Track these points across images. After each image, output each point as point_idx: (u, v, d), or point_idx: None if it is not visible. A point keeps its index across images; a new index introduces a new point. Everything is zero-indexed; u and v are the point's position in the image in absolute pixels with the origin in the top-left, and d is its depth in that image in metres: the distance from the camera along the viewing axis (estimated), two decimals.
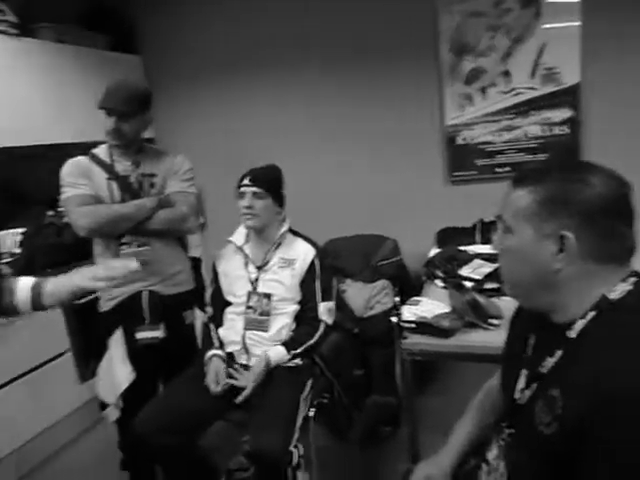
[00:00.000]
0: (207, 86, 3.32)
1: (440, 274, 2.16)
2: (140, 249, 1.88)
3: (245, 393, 1.69)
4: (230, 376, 1.76)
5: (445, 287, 1.98)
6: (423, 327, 1.62)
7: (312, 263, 1.88)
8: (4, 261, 2.40)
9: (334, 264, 2.79)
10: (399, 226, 2.88)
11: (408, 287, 2.61)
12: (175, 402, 1.73)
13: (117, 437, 2.06)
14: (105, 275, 1.15)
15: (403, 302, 1.77)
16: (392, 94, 2.93)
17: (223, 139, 3.37)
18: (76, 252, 2.19)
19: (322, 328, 1.84)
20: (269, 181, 1.87)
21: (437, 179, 2.94)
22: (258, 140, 3.28)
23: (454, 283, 1.85)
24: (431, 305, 1.72)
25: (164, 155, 2.01)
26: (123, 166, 1.91)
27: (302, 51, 3.06)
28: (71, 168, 1.87)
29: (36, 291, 1.08)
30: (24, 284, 1.09)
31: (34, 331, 2.31)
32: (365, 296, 2.56)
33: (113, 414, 1.91)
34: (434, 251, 2.49)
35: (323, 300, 1.86)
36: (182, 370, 1.87)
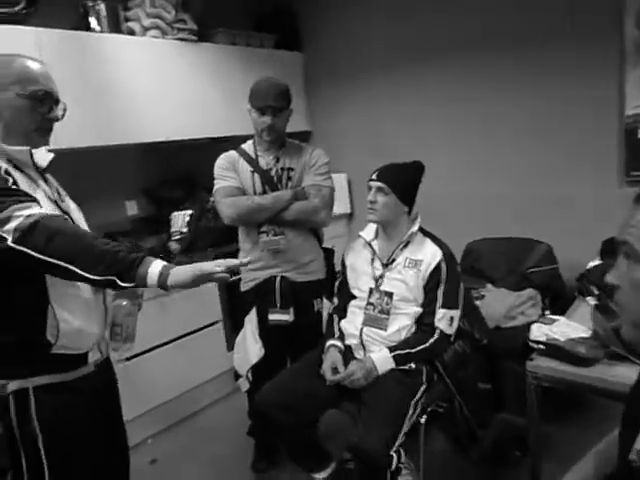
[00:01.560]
0: (359, 83, 3.36)
1: (594, 291, 1.87)
2: (276, 238, 2.01)
3: (335, 378, 1.74)
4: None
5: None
6: (554, 350, 1.44)
7: (438, 267, 1.80)
8: (174, 238, 2.80)
9: (475, 266, 2.64)
10: (554, 230, 2.57)
11: (561, 300, 2.33)
12: (294, 383, 1.82)
13: (247, 406, 2.26)
14: (225, 265, 1.25)
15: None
16: (558, 80, 2.60)
17: (371, 134, 3.40)
18: (228, 236, 2.45)
19: (437, 336, 1.75)
20: (396, 178, 1.83)
21: (609, 178, 2.53)
22: (403, 137, 3.22)
23: (603, 305, 1.59)
24: (567, 327, 1.51)
25: (303, 149, 2.10)
26: (266, 160, 2.06)
27: (454, 47, 2.90)
28: (222, 162, 2.07)
29: (166, 270, 1.22)
30: (158, 262, 1.23)
31: (192, 302, 2.65)
32: (507, 305, 2.35)
33: (244, 385, 2.11)
34: (594, 263, 2.17)
35: (444, 307, 1.77)
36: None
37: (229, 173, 2.03)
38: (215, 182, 2.05)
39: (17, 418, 1.27)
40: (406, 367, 1.74)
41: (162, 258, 1.24)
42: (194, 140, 2.98)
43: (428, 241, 1.88)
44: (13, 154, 1.25)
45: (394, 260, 1.88)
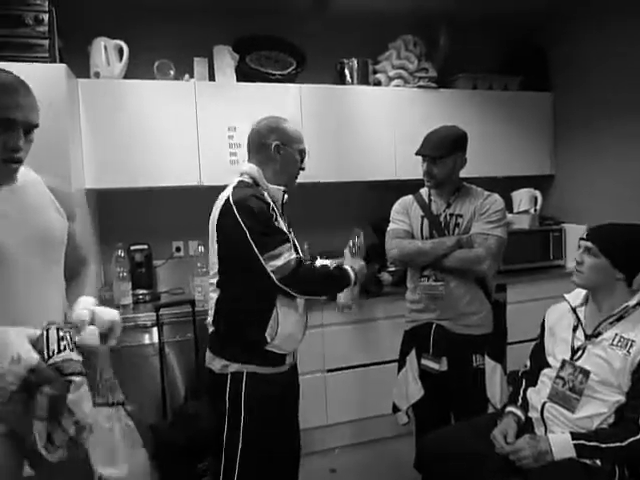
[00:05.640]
0: (611, 122, 2.95)
1: None
2: (435, 283, 2.01)
3: (503, 448, 1.61)
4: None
5: None
6: None
7: None
8: (389, 270, 2.97)
9: None
10: None
11: None
12: (459, 439, 1.76)
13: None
14: None
15: None
16: None
17: (624, 183, 2.92)
18: None
19: (639, 437, 1.43)
20: (610, 239, 1.60)
21: None
22: None
23: None
24: None
25: (478, 195, 2.05)
26: (437, 205, 2.08)
27: None
28: (397, 206, 2.20)
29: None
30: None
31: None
32: None
33: (402, 418, 2.18)
34: None
35: None
36: (471, 410, 1.87)
37: (401, 217, 2.13)
38: (390, 224, 2.17)
39: (230, 394, 1.68)
40: (589, 462, 1.48)
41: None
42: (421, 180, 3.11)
43: None
44: (274, 192, 1.72)
45: (600, 334, 1.63)
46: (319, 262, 1.80)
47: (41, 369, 0.89)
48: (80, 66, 2.47)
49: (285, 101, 2.75)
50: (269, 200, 1.65)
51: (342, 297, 2.05)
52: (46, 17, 2.18)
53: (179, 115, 2.61)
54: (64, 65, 2.23)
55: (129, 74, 2.59)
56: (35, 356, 0.89)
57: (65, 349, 0.92)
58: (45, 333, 0.93)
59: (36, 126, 1.12)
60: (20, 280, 1.11)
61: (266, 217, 1.59)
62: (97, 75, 2.51)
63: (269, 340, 1.64)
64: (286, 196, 1.76)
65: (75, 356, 0.93)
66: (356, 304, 2.05)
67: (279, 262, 1.56)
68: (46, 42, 2.19)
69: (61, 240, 1.25)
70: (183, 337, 2.47)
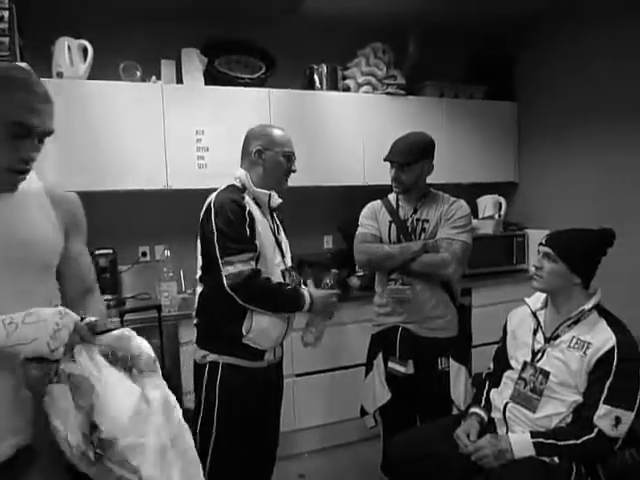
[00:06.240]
0: (573, 131, 3.07)
1: None
2: (402, 287, 2.04)
3: (466, 448, 1.65)
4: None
5: None
6: None
7: (608, 354, 1.53)
8: (358, 274, 3.00)
9: None
10: None
11: None
12: (424, 441, 1.78)
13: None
14: None
15: None
16: None
17: (585, 190, 3.04)
18: None
19: (593, 434, 1.48)
20: (568, 245, 1.66)
21: None
22: (613, 196, 2.80)
23: None
24: None
25: (444, 201, 2.10)
26: (404, 210, 2.13)
27: None
28: (366, 210, 2.23)
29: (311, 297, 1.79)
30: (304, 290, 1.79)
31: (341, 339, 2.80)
32: None
33: (370, 422, 2.20)
34: None
35: (609, 403, 1.49)
36: (436, 412, 1.91)
37: (369, 221, 2.16)
38: (358, 228, 2.20)
39: (206, 382, 1.74)
40: (548, 460, 1.53)
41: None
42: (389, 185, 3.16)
43: (603, 323, 1.62)
44: (259, 195, 1.78)
45: (559, 336, 1.68)
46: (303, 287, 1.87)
47: (81, 325, 0.97)
48: (42, 66, 2.39)
49: (254, 105, 2.74)
50: (247, 205, 1.71)
51: (304, 337, 1.90)
52: (6, 14, 2.12)
53: (145, 117, 2.57)
54: (24, 64, 2.16)
55: (93, 75, 2.54)
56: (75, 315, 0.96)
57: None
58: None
59: (51, 133, 1.02)
60: None
61: (238, 223, 1.65)
62: (60, 75, 2.45)
63: (244, 333, 1.70)
64: (277, 199, 1.83)
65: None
66: (319, 342, 1.91)
67: (232, 269, 1.62)
68: (6, 40, 2.13)
69: (43, 257, 1.11)
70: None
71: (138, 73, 2.65)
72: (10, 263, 1.03)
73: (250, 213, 1.70)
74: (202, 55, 2.71)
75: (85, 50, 2.48)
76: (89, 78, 2.52)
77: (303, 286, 1.88)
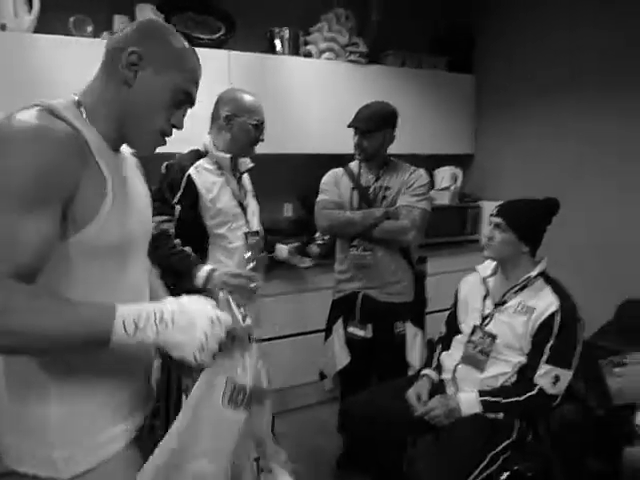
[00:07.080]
0: (531, 102, 3.15)
1: None
2: (364, 253, 2.09)
3: (417, 410, 1.72)
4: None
5: None
6: None
7: (550, 318, 1.64)
8: (318, 242, 3.01)
9: (628, 328, 2.28)
10: None
11: None
12: (379, 401, 1.85)
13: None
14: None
15: None
16: None
17: (536, 161, 3.15)
18: None
19: (534, 392, 1.60)
20: (517, 215, 1.74)
21: None
22: (567, 168, 2.91)
23: None
24: None
25: (405, 170, 2.14)
26: (366, 178, 2.16)
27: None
28: (327, 177, 2.24)
29: (210, 274, 1.62)
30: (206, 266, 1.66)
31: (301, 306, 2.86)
32: None
33: (328, 384, 2.30)
34: None
35: (549, 363, 1.61)
36: (392, 374, 2.00)
37: (330, 187, 2.18)
38: (319, 195, 2.21)
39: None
40: (493, 416, 1.64)
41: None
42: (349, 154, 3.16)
43: (547, 289, 1.72)
44: (220, 159, 1.78)
45: (505, 302, 1.78)
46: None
47: (238, 330, 0.89)
48: None
49: (212, 67, 2.62)
50: (189, 170, 1.72)
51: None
52: None
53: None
54: None
55: (41, 29, 2.38)
56: (230, 318, 0.89)
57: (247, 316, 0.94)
58: (226, 301, 0.94)
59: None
60: (138, 271, 1.00)
61: (167, 186, 1.69)
62: (3, 27, 2.28)
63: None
64: (247, 163, 1.87)
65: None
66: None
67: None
68: None
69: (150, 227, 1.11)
70: None
71: (89, 28, 2.51)
72: (147, 235, 1.06)
73: (189, 177, 1.71)
74: (158, 12, 2.59)
75: (31, 1, 2.31)
76: (35, 32, 2.36)
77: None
